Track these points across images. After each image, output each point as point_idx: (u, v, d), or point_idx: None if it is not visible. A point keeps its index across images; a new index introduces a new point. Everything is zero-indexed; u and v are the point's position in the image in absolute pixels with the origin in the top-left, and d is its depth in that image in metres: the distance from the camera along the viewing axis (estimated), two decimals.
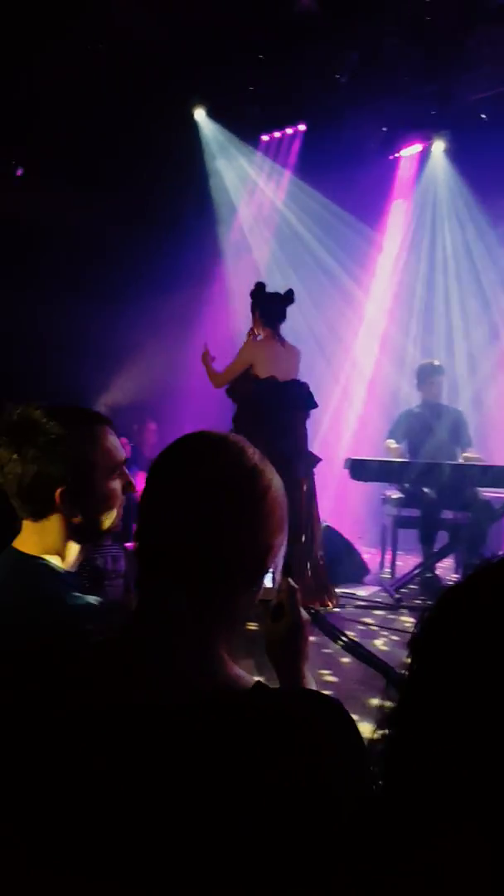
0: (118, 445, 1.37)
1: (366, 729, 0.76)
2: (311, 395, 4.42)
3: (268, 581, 0.89)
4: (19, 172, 6.93)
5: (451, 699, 0.58)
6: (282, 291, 4.39)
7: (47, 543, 1.30)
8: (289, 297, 4.39)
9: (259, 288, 4.38)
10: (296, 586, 1.08)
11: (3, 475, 1.30)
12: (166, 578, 0.78)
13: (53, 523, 1.29)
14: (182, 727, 0.74)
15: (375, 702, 3.01)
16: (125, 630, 0.84)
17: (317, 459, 4.54)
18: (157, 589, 0.79)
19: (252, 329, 4.44)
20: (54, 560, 1.30)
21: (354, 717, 0.79)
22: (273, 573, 0.89)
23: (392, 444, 5.16)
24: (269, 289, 4.49)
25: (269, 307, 4.30)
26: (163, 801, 0.73)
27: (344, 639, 3.50)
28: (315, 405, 4.49)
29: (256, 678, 0.81)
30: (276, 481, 0.87)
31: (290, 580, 1.06)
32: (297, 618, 1.06)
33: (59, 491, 1.27)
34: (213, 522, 0.81)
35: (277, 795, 0.71)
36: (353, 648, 3.51)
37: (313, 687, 1.05)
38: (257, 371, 4.26)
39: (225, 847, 0.70)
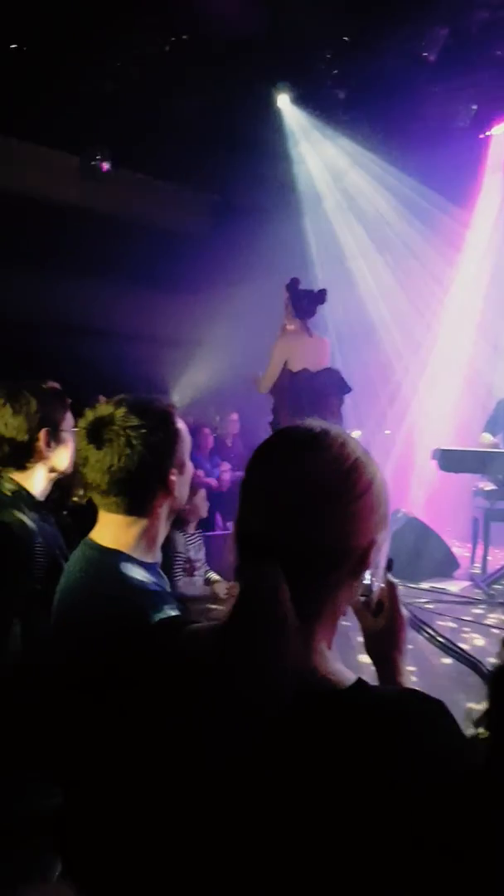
0: (185, 429, 1.39)
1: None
2: (343, 381, 4.63)
3: (367, 576, 0.88)
4: (105, 167, 7.06)
5: None
6: (315, 289, 4.74)
7: (131, 535, 1.30)
8: (320, 296, 4.67)
9: (293, 283, 4.69)
10: (396, 581, 1.07)
11: (96, 474, 1.29)
12: (268, 570, 0.78)
13: (147, 515, 1.30)
14: (284, 723, 0.73)
15: (462, 697, 2.94)
16: (227, 619, 0.83)
17: None
18: (258, 580, 0.78)
19: (283, 325, 4.74)
20: (135, 552, 1.29)
21: None
22: (374, 568, 0.88)
23: (488, 437, 4.97)
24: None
25: (300, 302, 4.60)
26: (265, 796, 0.74)
27: (433, 634, 3.42)
28: (349, 389, 4.66)
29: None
30: (379, 475, 0.86)
31: (390, 575, 1.04)
32: (397, 613, 1.05)
33: (170, 475, 1.30)
34: (317, 516, 0.80)
35: (380, 795, 0.70)
36: (443, 644, 3.42)
37: (408, 677, 1.05)
38: (290, 366, 4.53)
39: (326, 846, 0.71)
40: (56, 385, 1.98)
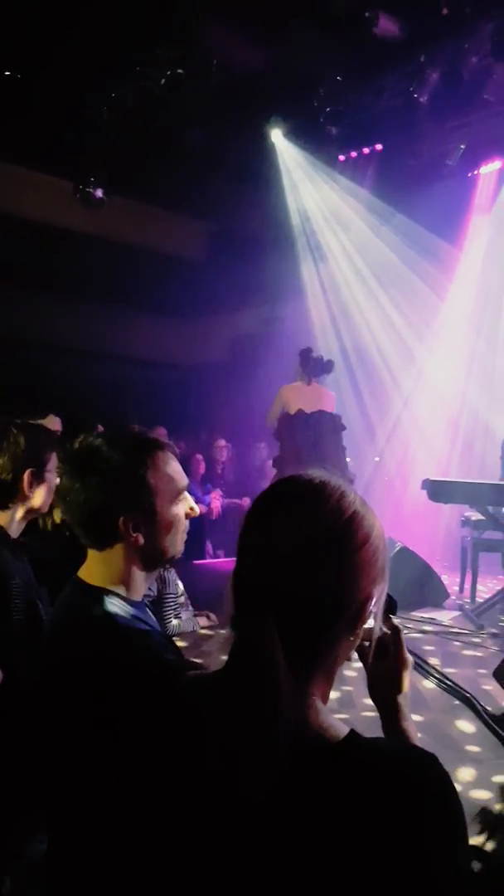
0: (180, 471, 1.33)
1: (445, 759, 0.77)
2: (337, 422, 5.34)
3: (369, 622, 0.88)
4: (99, 195, 7.16)
5: None
6: (325, 358, 5.55)
7: (113, 573, 1.26)
8: (328, 365, 5.48)
9: (306, 351, 5.54)
10: (399, 626, 1.07)
11: (66, 505, 1.27)
12: (263, 624, 0.78)
13: (118, 552, 1.26)
14: (276, 778, 0.74)
15: (456, 731, 2.97)
16: (222, 669, 0.84)
17: (351, 479, 4.61)
18: (254, 631, 0.79)
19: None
20: (120, 590, 1.26)
21: (435, 748, 0.78)
22: (374, 614, 0.89)
23: None
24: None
25: (309, 368, 5.43)
26: (258, 851, 0.73)
27: (427, 668, 3.43)
28: (343, 428, 5.36)
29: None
30: (376, 528, 0.86)
31: (392, 619, 1.05)
32: (401, 657, 1.05)
33: (121, 518, 1.24)
34: (314, 569, 0.81)
35: (367, 852, 0.71)
36: (436, 677, 3.44)
37: (412, 722, 1.05)
38: (288, 409, 5.39)
39: None
40: (56, 420, 1.95)
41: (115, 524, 1.24)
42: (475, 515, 5.21)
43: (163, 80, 6.11)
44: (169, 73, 6.10)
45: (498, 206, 6.89)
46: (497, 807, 0.78)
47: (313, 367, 5.45)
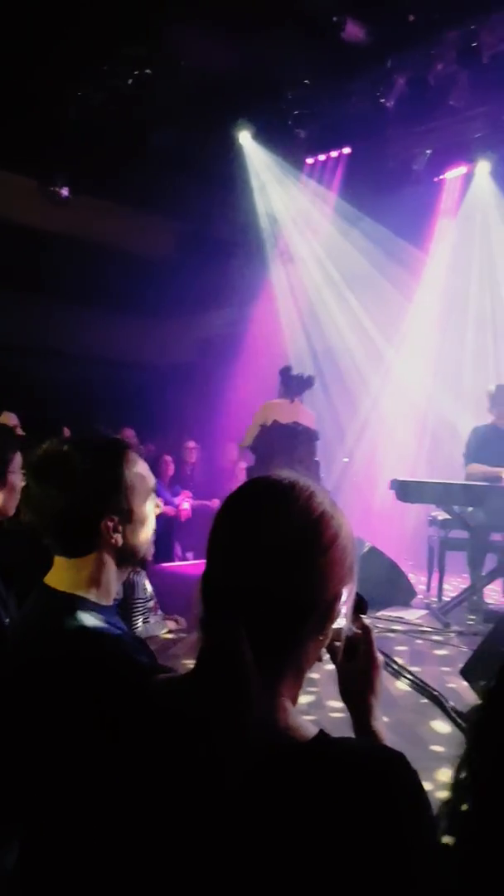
0: (148, 470, 1.35)
1: (415, 757, 0.78)
2: (310, 430, 5.35)
3: (339, 621, 0.89)
4: (65, 193, 7.09)
5: None
6: (305, 375, 5.51)
7: (83, 578, 1.25)
8: (309, 381, 5.45)
9: (286, 370, 5.52)
10: (369, 625, 1.07)
11: (39, 515, 1.25)
12: (232, 626, 0.78)
13: (91, 557, 1.25)
14: (246, 779, 0.74)
15: (426, 729, 3.00)
16: (191, 672, 0.84)
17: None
18: (223, 633, 0.79)
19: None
20: (91, 595, 1.25)
21: (405, 747, 0.79)
22: (344, 613, 0.89)
23: (480, 468, 4.96)
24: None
25: (289, 385, 5.40)
26: (229, 852, 0.74)
27: (397, 667, 3.47)
28: (317, 437, 5.37)
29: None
30: (345, 527, 0.86)
31: (363, 619, 1.05)
32: (372, 657, 1.05)
33: (104, 521, 1.24)
34: (282, 569, 0.81)
35: (339, 850, 0.71)
36: (405, 676, 3.47)
37: (382, 723, 1.05)
38: (265, 422, 5.36)
39: None
40: (12, 416, 1.92)
41: (96, 529, 1.23)
42: (442, 515, 5.28)
43: (130, 80, 6.09)
44: (136, 72, 6.08)
45: (463, 210, 7.00)
46: (441, 794, 0.78)
47: (295, 385, 5.42)
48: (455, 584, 5.48)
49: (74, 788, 1.03)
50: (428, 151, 6.62)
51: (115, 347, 7.24)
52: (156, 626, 4.17)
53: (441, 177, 6.94)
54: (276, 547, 0.82)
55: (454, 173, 6.89)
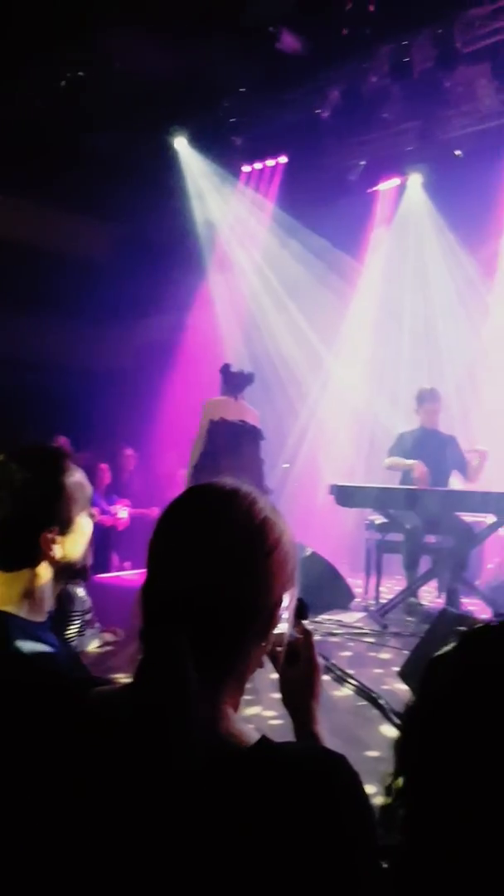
0: (85, 479, 1.33)
1: (355, 760, 0.78)
2: (256, 430, 5.32)
3: (280, 626, 0.89)
4: None
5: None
6: (245, 371, 5.45)
7: (14, 594, 1.22)
8: (249, 378, 5.39)
9: (225, 367, 5.44)
10: (310, 630, 1.09)
11: None
12: (172, 635, 0.78)
13: (25, 571, 1.22)
14: (189, 787, 0.74)
15: (366, 733, 3.03)
16: (131, 683, 0.83)
17: (267, 492, 4.70)
18: (164, 642, 0.78)
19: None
20: (22, 611, 1.22)
21: (346, 750, 0.80)
22: (285, 619, 0.90)
23: (397, 459, 5.17)
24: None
25: (231, 382, 5.33)
26: (165, 861, 0.73)
27: (336, 670, 3.49)
28: (262, 437, 5.32)
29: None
30: (286, 534, 0.87)
31: (304, 624, 1.07)
32: (313, 662, 1.06)
33: (44, 533, 1.21)
34: (223, 577, 0.81)
35: (285, 853, 0.71)
36: (345, 679, 3.51)
37: (323, 726, 1.06)
38: (212, 419, 5.29)
39: None
40: None
41: (34, 542, 1.20)
42: (379, 518, 5.37)
43: (63, 82, 6.00)
44: (69, 74, 6.00)
45: (397, 220, 7.17)
46: (378, 800, 0.80)
47: (237, 382, 5.37)
48: (389, 586, 5.58)
49: (14, 812, 1.00)
50: (362, 163, 6.76)
51: (49, 352, 7.09)
52: (91, 639, 4.09)
53: (375, 188, 7.09)
54: (218, 553, 0.81)
55: (388, 185, 7.06)
